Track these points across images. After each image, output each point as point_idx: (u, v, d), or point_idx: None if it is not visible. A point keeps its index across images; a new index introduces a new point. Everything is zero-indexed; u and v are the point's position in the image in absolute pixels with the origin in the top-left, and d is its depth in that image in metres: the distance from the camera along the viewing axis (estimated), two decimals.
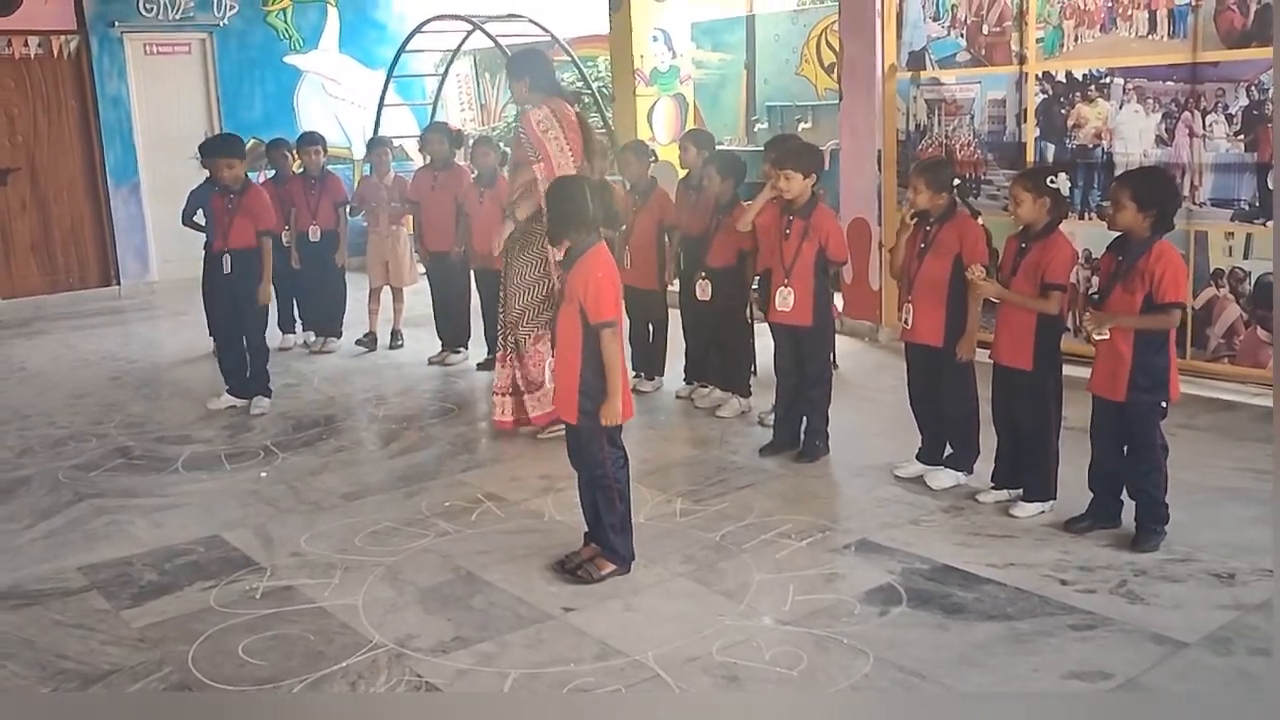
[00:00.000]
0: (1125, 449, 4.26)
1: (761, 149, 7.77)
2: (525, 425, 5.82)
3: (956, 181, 4.76)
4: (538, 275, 5.72)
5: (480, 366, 7.38)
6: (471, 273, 7.53)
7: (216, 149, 6.51)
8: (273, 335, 8.10)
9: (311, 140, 8.08)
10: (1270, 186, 5.77)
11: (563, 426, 5.66)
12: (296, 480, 5.36)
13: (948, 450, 4.97)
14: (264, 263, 6.51)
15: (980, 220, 4.83)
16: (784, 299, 5.26)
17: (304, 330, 8.29)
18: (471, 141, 7.70)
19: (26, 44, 10.27)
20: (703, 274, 6.07)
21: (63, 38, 10.46)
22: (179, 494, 5.24)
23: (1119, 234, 4.20)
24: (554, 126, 5.63)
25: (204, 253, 6.55)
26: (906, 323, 4.93)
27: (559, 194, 4.08)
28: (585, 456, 4.12)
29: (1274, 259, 5.81)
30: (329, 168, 8.21)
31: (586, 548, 4.20)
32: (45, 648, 3.76)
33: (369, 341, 8.06)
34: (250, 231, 6.43)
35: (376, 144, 8.39)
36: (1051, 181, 4.37)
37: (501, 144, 8.52)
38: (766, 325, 5.49)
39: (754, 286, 5.92)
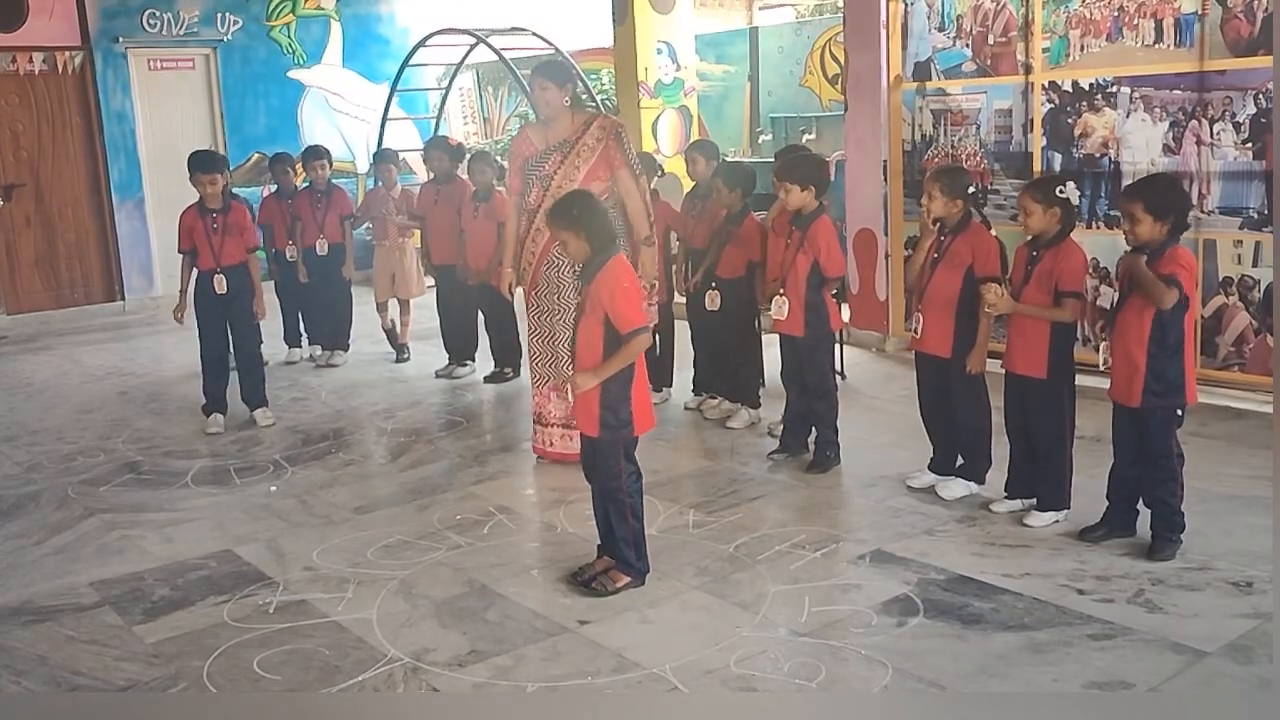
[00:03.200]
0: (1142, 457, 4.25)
1: (767, 160, 7.79)
2: None
3: (971, 188, 4.75)
4: None
5: (487, 379, 7.38)
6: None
7: (195, 164, 6.38)
8: (279, 349, 8.16)
9: (317, 154, 8.09)
10: None
11: None
12: (307, 494, 5.35)
13: (959, 460, 4.96)
14: (254, 278, 6.46)
15: (993, 231, 4.82)
16: (779, 308, 5.30)
17: (310, 344, 8.28)
18: (469, 156, 7.71)
19: (31, 60, 10.29)
20: (712, 285, 6.07)
21: (67, 54, 10.48)
22: (189, 508, 5.23)
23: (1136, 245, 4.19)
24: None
25: (195, 273, 6.38)
26: (916, 332, 4.92)
27: (582, 206, 4.04)
28: (601, 470, 4.09)
29: (1274, 263, 5.80)
30: (334, 181, 8.21)
31: (600, 560, 4.19)
32: (59, 664, 3.74)
33: (399, 349, 8.15)
34: (240, 249, 6.37)
35: (383, 157, 8.39)
36: (1060, 191, 4.37)
37: (500, 158, 8.54)
38: (775, 336, 5.51)
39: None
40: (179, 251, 6.41)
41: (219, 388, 6.53)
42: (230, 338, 6.47)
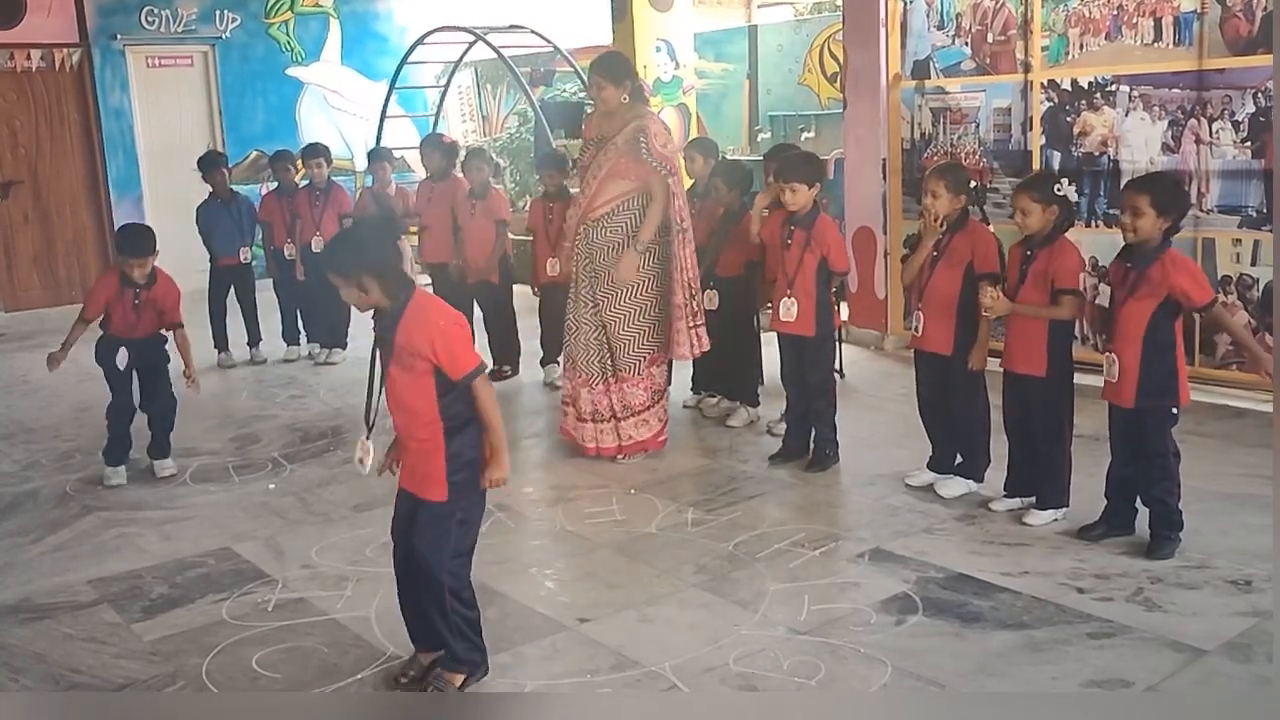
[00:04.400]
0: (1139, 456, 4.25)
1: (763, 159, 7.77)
2: (626, 453, 5.57)
3: (973, 184, 4.75)
4: (654, 293, 5.51)
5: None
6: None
7: (123, 245, 5.64)
8: (277, 347, 8.17)
9: (316, 152, 8.09)
10: None
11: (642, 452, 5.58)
12: (305, 492, 5.34)
13: (958, 458, 4.96)
14: (185, 352, 5.60)
15: (991, 228, 4.82)
16: (788, 309, 5.25)
17: (308, 342, 8.28)
18: (464, 154, 7.71)
19: (29, 57, 10.29)
20: (710, 284, 6.05)
21: (65, 51, 10.48)
22: (188, 506, 5.22)
23: (1125, 245, 4.20)
24: (670, 140, 5.51)
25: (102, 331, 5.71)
26: (917, 330, 4.92)
27: (365, 239, 3.30)
28: (426, 540, 3.28)
29: (1274, 263, 5.81)
30: (332, 179, 8.21)
31: (424, 653, 3.47)
32: (57, 662, 3.74)
33: None
34: (155, 323, 5.62)
35: (377, 156, 8.38)
36: (1057, 188, 4.37)
37: (495, 155, 8.55)
38: (772, 334, 5.50)
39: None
40: (82, 319, 5.65)
41: (123, 432, 5.72)
42: (141, 392, 5.74)
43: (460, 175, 7.54)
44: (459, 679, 3.39)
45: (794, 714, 3.24)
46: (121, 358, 5.61)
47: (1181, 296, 4.03)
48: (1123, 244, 4.24)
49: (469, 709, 3.24)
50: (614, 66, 5.52)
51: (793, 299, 5.22)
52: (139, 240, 5.63)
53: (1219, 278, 6.09)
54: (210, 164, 8.10)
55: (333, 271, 3.26)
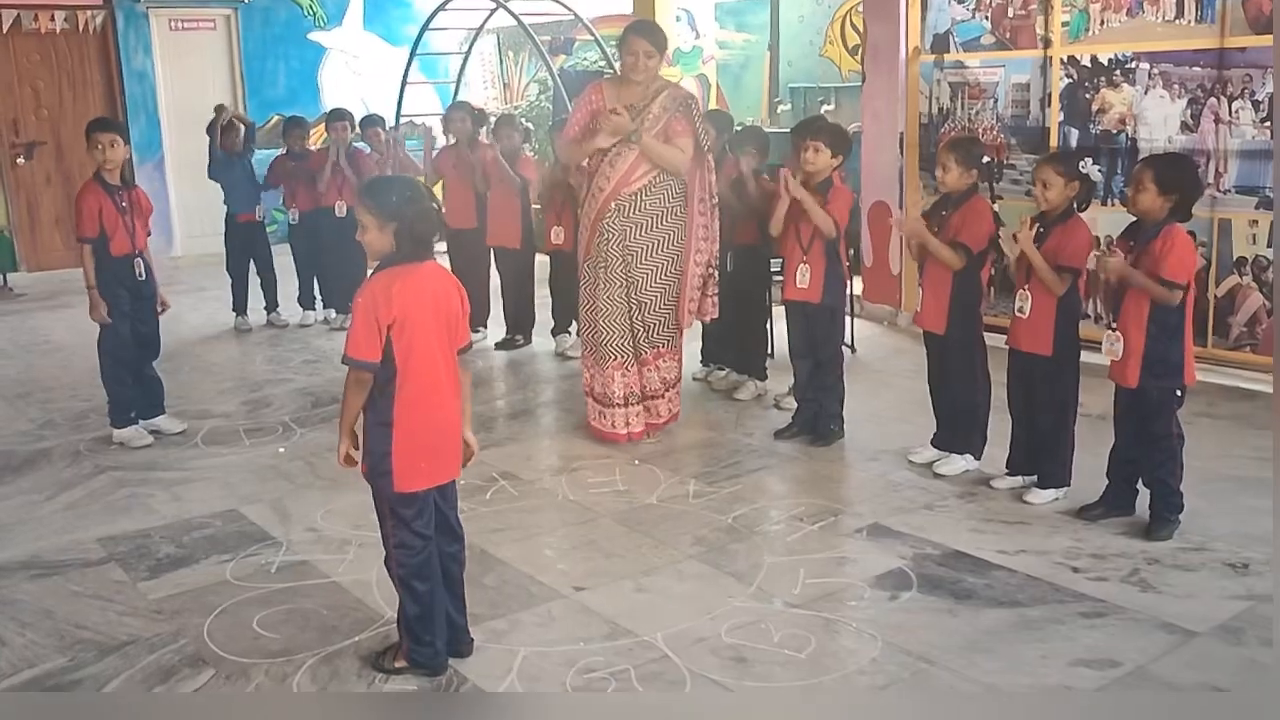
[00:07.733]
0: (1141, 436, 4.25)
1: (784, 131, 7.74)
2: (653, 434, 5.51)
3: (986, 159, 4.72)
4: (678, 271, 5.41)
5: (498, 346, 7.42)
6: (491, 251, 7.54)
7: (93, 125, 5.48)
8: (294, 312, 8.22)
9: (340, 116, 8.13)
10: None
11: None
12: (314, 456, 5.39)
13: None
14: (151, 265, 5.62)
15: (996, 206, 4.80)
16: (803, 276, 5.23)
17: (324, 308, 8.33)
18: (494, 120, 7.72)
19: (53, 18, 10.33)
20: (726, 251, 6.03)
21: (88, 12, 10.51)
22: (198, 468, 5.29)
23: (1133, 220, 4.19)
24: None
25: (99, 259, 5.39)
26: (919, 307, 4.92)
27: (405, 196, 3.19)
28: (381, 526, 3.41)
29: (1274, 250, 5.76)
30: (355, 144, 8.23)
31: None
32: (64, 618, 3.81)
33: None
34: (145, 228, 5.57)
35: (370, 122, 8.25)
36: (1082, 166, 4.35)
37: (524, 120, 8.54)
38: (781, 308, 5.49)
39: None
40: (81, 239, 5.38)
41: (129, 386, 5.67)
42: (136, 335, 5.62)
43: (485, 141, 7.56)
44: (401, 662, 3.39)
45: (801, 711, 3.27)
46: (139, 266, 5.51)
47: (1158, 264, 4.00)
48: (1130, 222, 4.23)
49: (469, 709, 3.27)
50: (661, 35, 5.37)
51: (808, 265, 5.20)
52: (104, 121, 5.74)
53: (1235, 259, 6.05)
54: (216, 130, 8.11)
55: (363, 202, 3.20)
